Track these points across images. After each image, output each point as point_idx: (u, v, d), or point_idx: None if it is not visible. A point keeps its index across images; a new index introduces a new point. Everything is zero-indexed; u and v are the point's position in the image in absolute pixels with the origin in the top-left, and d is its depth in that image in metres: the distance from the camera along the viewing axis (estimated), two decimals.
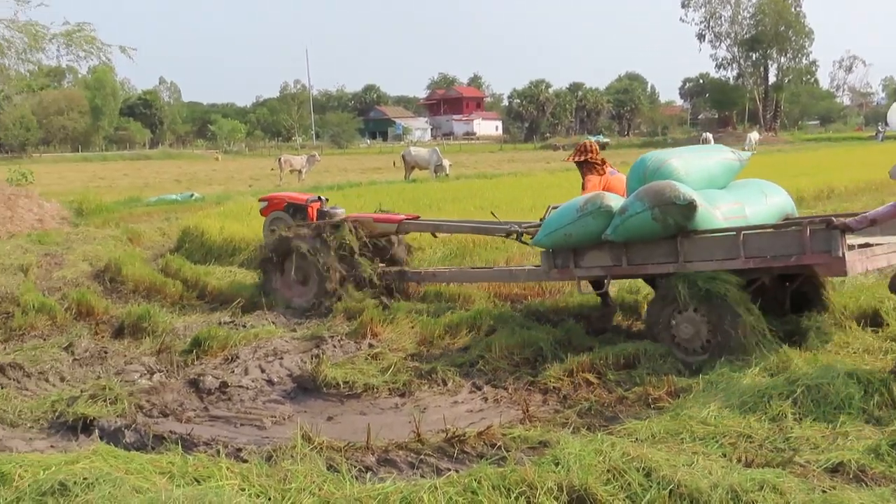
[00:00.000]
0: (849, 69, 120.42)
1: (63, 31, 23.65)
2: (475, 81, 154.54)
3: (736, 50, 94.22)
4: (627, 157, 52.07)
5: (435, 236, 11.92)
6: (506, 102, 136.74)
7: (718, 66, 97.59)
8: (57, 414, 6.78)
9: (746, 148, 54.25)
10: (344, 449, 5.57)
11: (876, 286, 8.71)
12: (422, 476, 5.24)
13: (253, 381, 7.69)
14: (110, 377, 7.72)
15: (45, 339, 9.49)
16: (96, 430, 6.39)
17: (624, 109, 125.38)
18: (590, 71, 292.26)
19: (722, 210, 7.80)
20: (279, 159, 39.22)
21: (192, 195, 28.12)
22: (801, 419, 5.57)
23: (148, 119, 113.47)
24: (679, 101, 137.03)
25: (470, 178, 32.32)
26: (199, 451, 5.63)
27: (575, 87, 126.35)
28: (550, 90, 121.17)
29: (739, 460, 5.05)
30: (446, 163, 34.68)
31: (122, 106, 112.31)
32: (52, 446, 6.23)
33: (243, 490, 4.55)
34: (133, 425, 6.39)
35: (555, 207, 8.81)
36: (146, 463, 4.79)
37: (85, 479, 4.40)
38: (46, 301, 10.67)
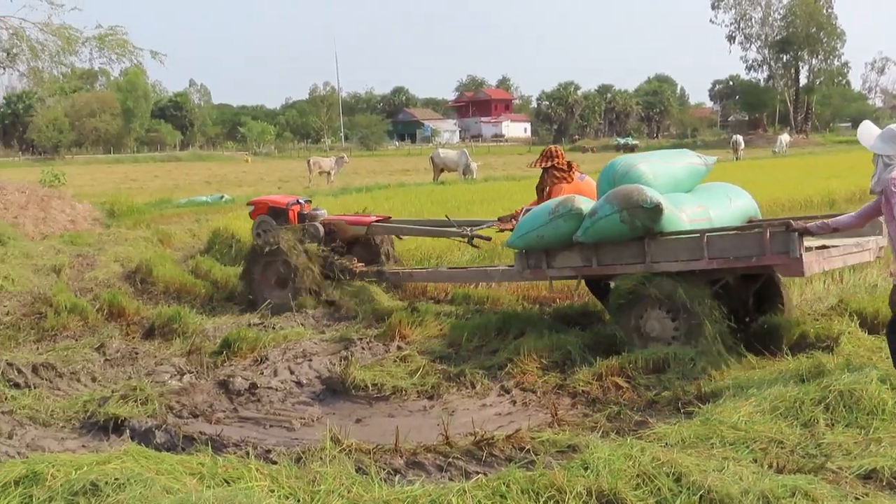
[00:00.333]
0: (881, 71, 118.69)
1: (96, 35, 23.84)
2: (504, 83, 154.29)
3: (766, 51, 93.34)
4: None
5: (400, 238, 12.14)
6: (534, 104, 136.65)
7: (749, 68, 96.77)
8: (88, 414, 6.85)
9: (777, 150, 54.00)
10: (372, 451, 5.57)
11: None
12: (450, 479, 5.22)
13: (282, 383, 7.72)
14: (141, 378, 7.78)
15: (77, 340, 9.58)
16: (127, 431, 6.45)
17: (653, 111, 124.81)
18: (619, 73, 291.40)
19: (687, 213, 8.08)
20: (308, 161, 39.37)
21: (221, 197, 28.29)
22: (833, 425, 5.51)
23: (178, 121, 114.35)
24: (709, 103, 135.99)
25: (498, 180, 32.28)
26: (228, 453, 5.65)
27: (604, 89, 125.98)
28: (579, 92, 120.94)
29: (771, 466, 4.99)
30: (474, 165, 34.66)
31: (154, 108, 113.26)
32: (83, 446, 6.30)
33: (273, 492, 4.56)
34: (163, 426, 6.43)
35: (527, 210, 9.09)
36: (177, 464, 4.81)
37: (116, 479, 4.43)
38: (78, 302, 10.78)
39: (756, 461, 5.06)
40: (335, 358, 8.44)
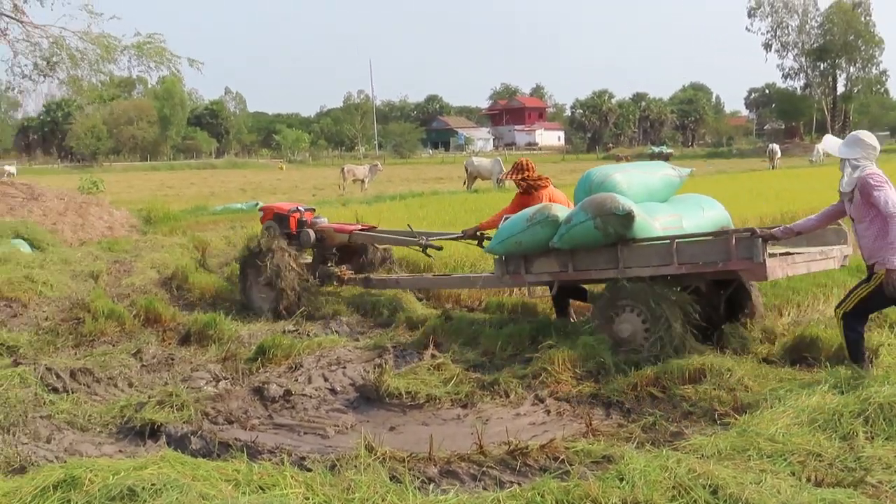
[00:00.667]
0: None
1: (134, 43, 24.13)
2: (537, 92, 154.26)
3: (803, 59, 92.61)
4: (692, 167, 51.44)
5: (374, 246, 12.46)
6: (568, 113, 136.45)
7: (785, 76, 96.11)
8: (125, 419, 6.90)
9: (814, 159, 53.37)
10: (406, 459, 5.56)
11: None
12: (484, 489, 5.21)
13: (316, 390, 7.74)
14: (177, 384, 7.83)
15: (114, 345, 9.66)
16: (163, 436, 6.48)
17: (688, 120, 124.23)
18: (654, 81, 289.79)
19: (661, 221, 8.44)
20: (342, 169, 39.56)
21: (256, 204, 28.44)
22: (872, 438, 5.43)
23: (214, 129, 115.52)
24: (744, 112, 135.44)
25: None
26: (263, 459, 5.66)
27: (638, 98, 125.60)
28: (613, 100, 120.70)
29: (809, 479, 4.92)
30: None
31: (190, 116, 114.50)
32: (120, 451, 6.35)
33: (307, 499, 4.57)
34: (199, 432, 6.46)
35: (506, 217, 9.39)
36: (212, 470, 4.83)
37: (153, 484, 4.46)
38: (116, 307, 10.86)
39: (794, 474, 4.99)
40: (369, 365, 8.45)
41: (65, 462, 5.31)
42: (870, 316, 7.27)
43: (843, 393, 6.16)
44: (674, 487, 4.53)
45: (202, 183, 50.61)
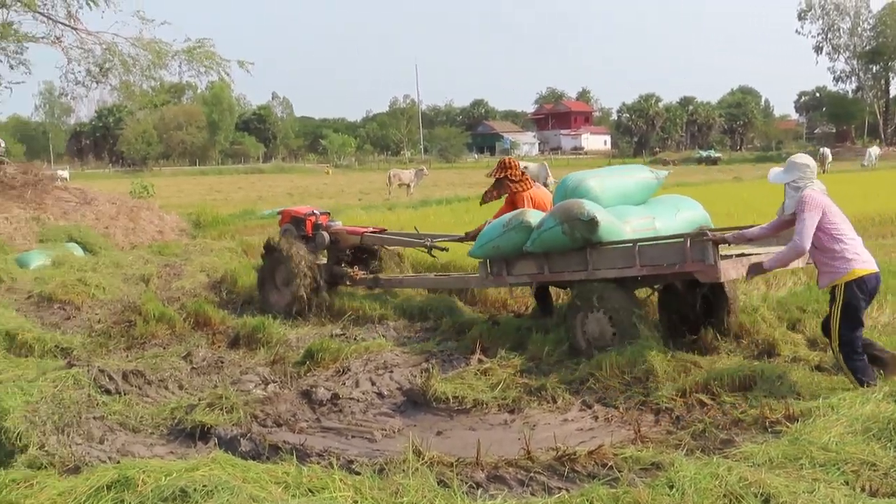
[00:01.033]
0: None
1: (184, 48, 24.36)
2: (583, 96, 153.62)
3: (855, 62, 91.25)
4: (741, 172, 51.01)
5: (386, 249, 12.89)
6: (614, 117, 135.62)
7: (836, 79, 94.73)
8: (176, 421, 6.99)
9: (866, 164, 52.53)
10: (454, 464, 5.56)
11: None
12: (532, 494, 5.20)
13: (364, 394, 7.77)
14: (226, 386, 7.90)
15: (164, 348, 9.79)
16: (213, 438, 6.56)
17: (736, 124, 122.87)
18: (701, 85, 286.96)
19: (632, 224, 8.86)
20: (388, 174, 39.68)
21: None
22: None
23: (262, 133, 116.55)
24: (794, 115, 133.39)
25: None
26: (312, 462, 5.71)
27: (686, 101, 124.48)
28: (660, 104, 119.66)
29: (863, 489, 4.83)
30: (552, 179, 34.53)
31: (238, 121, 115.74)
32: (171, 452, 6.43)
33: (356, 503, 4.60)
34: (248, 434, 6.53)
35: (487, 222, 9.96)
36: (262, 472, 4.88)
37: (204, 486, 4.51)
38: (166, 311, 11.01)
39: (848, 483, 4.90)
40: (416, 370, 8.47)
41: (118, 463, 5.39)
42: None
43: None
44: (724, 496, 4.48)
45: (250, 187, 51.06)
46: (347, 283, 12.29)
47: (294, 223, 12.95)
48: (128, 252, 18.24)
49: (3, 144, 26.23)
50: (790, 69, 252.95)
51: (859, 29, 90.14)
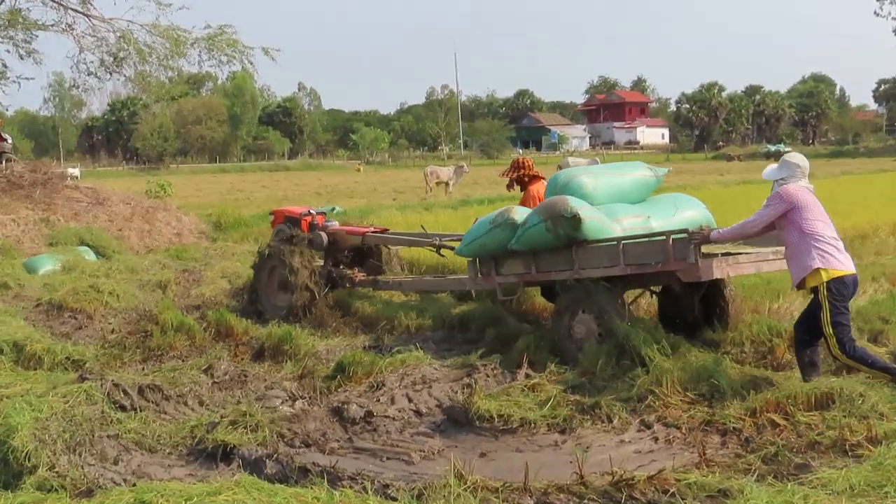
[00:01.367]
0: None
1: (205, 35, 24.55)
2: (639, 85, 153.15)
3: None
4: (814, 168, 50.32)
5: (387, 248, 13.43)
6: (673, 108, 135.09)
7: None
8: (196, 440, 7.01)
9: None
10: (500, 489, 5.55)
11: None
12: None
13: (400, 412, 7.76)
14: (251, 402, 7.91)
15: (183, 360, 9.84)
16: (237, 459, 6.57)
17: (808, 115, 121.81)
18: (769, 72, 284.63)
19: (624, 223, 9.34)
20: (425, 171, 39.69)
21: (333, 209, 28.67)
22: None
23: (287, 128, 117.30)
24: (873, 106, 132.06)
25: None
26: (344, 486, 5.71)
27: (752, 90, 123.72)
28: (724, 94, 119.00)
29: None
30: None
31: (261, 114, 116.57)
32: (191, 474, 6.46)
33: None
34: (275, 455, 6.54)
35: (476, 220, 10.52)
36: (290, 497, 4.89)
37: None
38: (185, 320, 11.07)
39: None
40: (457, 385, 8.44)
41: (134, 485, 5.44)
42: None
43: None
44: None
45: (274, 186, 51.38)
46: (347, 285, 12.69)
47: (288, 224, 13.53)
48: (143, 256, 18.43)
49: (9, 141, 26.51)
50: (868, 55, 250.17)
51: None
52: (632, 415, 7.35)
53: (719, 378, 7.59)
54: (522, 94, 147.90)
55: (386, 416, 7.59)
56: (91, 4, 23.84)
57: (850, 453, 6.08)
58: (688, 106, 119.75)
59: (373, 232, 12.99)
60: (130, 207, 22.96)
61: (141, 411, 7.60)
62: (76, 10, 23.84)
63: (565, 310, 9.21)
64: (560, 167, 37.60)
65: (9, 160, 24.31)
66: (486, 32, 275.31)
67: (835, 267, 7.29)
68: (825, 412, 6.83)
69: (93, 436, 6.83)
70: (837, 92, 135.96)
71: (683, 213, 9.78)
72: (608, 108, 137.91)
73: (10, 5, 23.92)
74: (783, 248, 8.16)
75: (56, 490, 5.81)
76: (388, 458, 6.74)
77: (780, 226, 7.70)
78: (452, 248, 11.90)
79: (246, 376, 9.03)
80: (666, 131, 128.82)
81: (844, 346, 7.32)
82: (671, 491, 5.48)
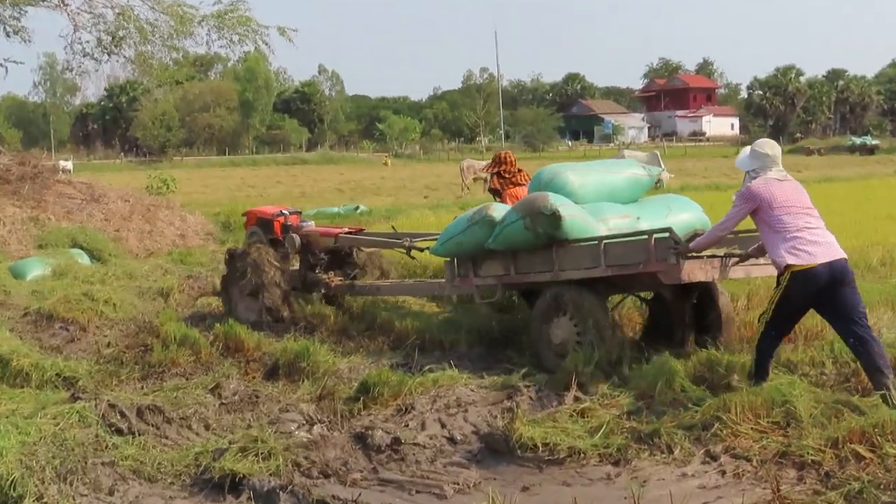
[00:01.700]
0: None
1: (214, 13, 24.64)
2: (705, 68, 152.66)
3: None
4: None
5: (361, 249, 13.75)
6: (744, 94, 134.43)
7: None
8: (201, 469, 7.04)
9: None
10: None
11: None
12: None
13: (431, 439, 7.78)
14: (263, 427, 7.93)
15: (187, 379, 9.87)
16: (246, 491, 6.61)
17: None
18: (854, 54, 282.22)
19: (611, 223, 9.81)
20: (461, 165, 39.70)
21: (357, 208, 28.82)
22: None
23: (305, 116, 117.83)
24: None
25: (699, 189, 31.87)
26: None
27: (834, 75, 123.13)
28: (802, 79, 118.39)
29: None
30: (666, 174, 34.21)
31: (276, 100, 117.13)
32: None
33: None
34: (290, 487, 6.56)
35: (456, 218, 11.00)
36: None
37: None
38: (190, 333, 11.09)
39: None
40: (496, 409, 8.45)
41: None
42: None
43: None
44: None
45: (291, 181, 51.68)
46: (323, 290, 13.17)
47: (261, 225, 13.85)
48: (143, 260, 18.55)
49: None
50: None
51: None
52: (695, 444, 7.32)
53: (796, 404, 7.54)
54: (572, 78, 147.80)
55: (415, 444, 7.60)
56: None
57: None
58: (761, 92, 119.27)
59: (346, 233, 13.45)
60: (129, 205, 23.10)
61: (139, 435, 7.64)
62: None
63: (543, 313, 9.63)
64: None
65: None
66: (531, 8, 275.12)
67: (805, 262, 7.77)
68: None
69: (86, 463, 6.87)
70: None
71: (677, 215, 10.14)
72: (670, 95, 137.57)
73: None
74: None
75: None
76: (417, 492, 6.75)
77: (754, 222, 8.24)
78: (423, 250, 12.42)
79: (257, 397, 9.05)
80: (736, 121, 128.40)
81: (763, 337, 8.14)
82: None
